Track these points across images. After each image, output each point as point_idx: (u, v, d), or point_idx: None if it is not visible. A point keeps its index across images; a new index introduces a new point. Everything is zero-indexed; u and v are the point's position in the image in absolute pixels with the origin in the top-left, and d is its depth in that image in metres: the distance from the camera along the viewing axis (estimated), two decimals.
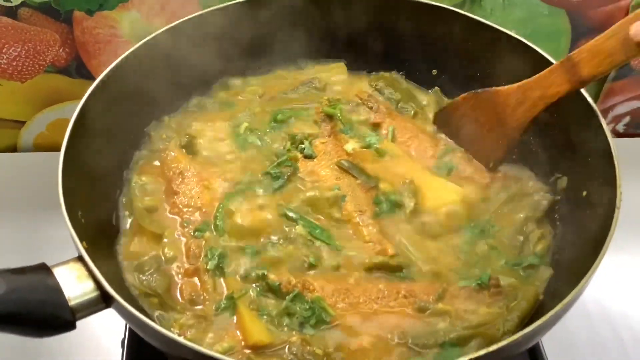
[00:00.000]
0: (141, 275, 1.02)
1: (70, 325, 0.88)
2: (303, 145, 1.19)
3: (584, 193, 1.07)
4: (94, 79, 1.10)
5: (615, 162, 1.00)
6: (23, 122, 1.61)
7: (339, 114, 1.23)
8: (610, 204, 0.96)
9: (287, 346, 0.95)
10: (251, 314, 0.98)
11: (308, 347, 0.94)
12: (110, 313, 0.91)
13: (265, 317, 0.98)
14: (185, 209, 1.11)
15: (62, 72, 1.52)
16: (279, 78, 1.35)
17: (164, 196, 1.14)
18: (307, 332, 0.96)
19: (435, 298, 1.00)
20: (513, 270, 1.05)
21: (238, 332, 0.97)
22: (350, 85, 1.33)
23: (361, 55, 1.35)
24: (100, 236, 1.04)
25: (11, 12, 1.40)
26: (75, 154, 1.01)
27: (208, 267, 1.03)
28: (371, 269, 1.04)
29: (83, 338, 1.24)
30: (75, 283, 0.88)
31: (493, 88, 1.14)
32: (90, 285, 0.88)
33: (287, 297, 0.98)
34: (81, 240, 0.91)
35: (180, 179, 1.14)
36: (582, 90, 1.09)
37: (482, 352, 0.83)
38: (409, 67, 1.35)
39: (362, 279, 1.03)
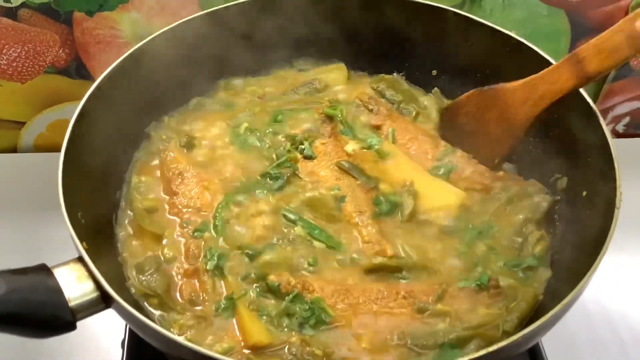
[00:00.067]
0: (141, 276, 1.02)
1: (70, 326, 0.88)
2: (303, 146, 1.19)
3: (584, 193, 1.07)
4: (93, 79, 1.11)
5: (615, 163, 1.00)
6: (23, 123, 1.61)
7: (339, 115, 1.23)
8: (610, 204, 0.96)
9: (287, 347, 0.95)
10: (251, 314, 0.98)
11: (307, 348, 0.94)
12: (110, 314, 0.91)
13: (264, 317, 0.98)
14: (184, 210, 1.11)
15: (62, 73, 1.52)
16: (279, 79, 1.35)
17: (163, 197, 1.14)
18: (307, 332, 0.96)
19: (434, 299, 1.00)
20: (512, 272, 1.05)
21: (238, 333, 0.97)
22: (350, 86, 1.33)
23: (361, 56, 1.35)
24: (100, 237, 1.04)
25: (11, 13, 1.40)
26: (76, 155, 1.02)
27: (207, 268, 1.03)
28: (371, 270, 1.04)
29: (83, 339, 1.24)
30: (75, 284, 0.88)
31: (498, 85, 1.14)
32: (90, 285, 0.89)
33: (286, 298, 0.99)
34: (81, 240, 0.91)
35: (180, 180, 1.14)
36: (582, 91, 1.09)
37: (481, 352, 0.83)
38: (408, 68, 1.35)
39: (362, 279, 1.03)
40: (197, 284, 1.02)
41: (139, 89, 1.18)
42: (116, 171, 1.17)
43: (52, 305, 0.86)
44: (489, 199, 1.14)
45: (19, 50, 1.46)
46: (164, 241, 1.08)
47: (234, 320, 0.99)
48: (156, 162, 1.19)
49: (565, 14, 1.48)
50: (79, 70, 1.51)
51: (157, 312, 1.00)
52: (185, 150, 1.20)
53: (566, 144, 1.13)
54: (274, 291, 1.00)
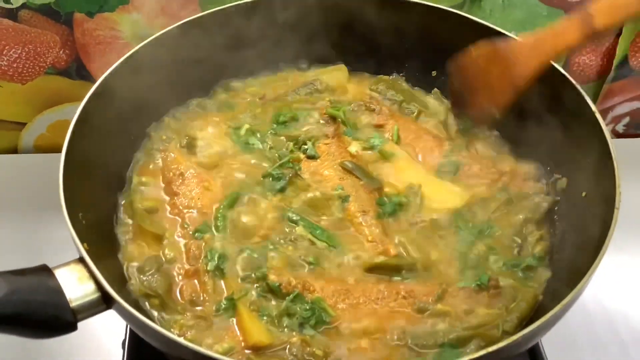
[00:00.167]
0: (141, 276, 1.02)
1: (71, 327, 0.89)
2: (306, 146, 1.20)
3: (584, 194, 1.08)
4: (94, 80, 1.11)
5: (615, 163, 1.00)
6: (24, 124, 1.61)
7: (342, 116, 1.24)
8: (609, 204, 0.96)
9: (287, 347, 0.95)
10: (251, 314, 0.98)
11: (308, 348, 0.94)
12: (111, 314, 0.91)
13: (265, 317, 0.98)
14: (185, 210, 1.11)
15: (62, 74, 1.52)
16: (279, 79, 1.35)
17: (164, 197, 1.15)
18: (307, 332, 0.96)
19: (434, 299, 1.00)
20: (512, 272, 1.05)
21: (238, 333, 0.97)
22: (351, 86, 1.34)
23: (361, 57, 1.35)
24: (100, 237, 1.04)
25: (11, 14, 1.40)
26: (76, 155, 1.02)
27: (208, 268, 1.03)
28: (371, 269, 1.04)
29: (84, 339, 1.24)
30: (76, 284, 0.88)
31: (509, 38, 1.12)
32: (91, 286, 0.89)
33: (287, 298, 0.99)
34: (82, 241, 0.91)
35: (181, 180, 1.14)
36: (582, 91, 1.09)
37: (481, 352, 0.83)
38: (408, 69, 1.35)
39: (362, 279, 1.03)
40: (198, 284, 1.02)
41: (139, 89, 1.17)
42: (117, 172, 1.17)
43: (53, 306, 0.87)
44: (489, 199, 1.14)
45: (19, 51, 1.46)
46: (165, 242, 1.08)
47: (235, 321, 0.99)
48: (157, 162, 1.19)
49: (565, 15, 1.48)
50: (79, 71, 1.51)
51: (157, 313, 1.00)
52: (185, 151, 1.20)
53: (566, 144, 1.13)
54: (275, 291, 1.00)
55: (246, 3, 1.26)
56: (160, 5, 1.41)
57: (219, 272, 1.03)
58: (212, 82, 1.32)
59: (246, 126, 1.24)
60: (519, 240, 1.09)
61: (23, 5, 1.39)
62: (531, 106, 1.20)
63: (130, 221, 1.12)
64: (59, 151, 1.00)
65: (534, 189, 1.16)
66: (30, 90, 1.53)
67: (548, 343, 1.16)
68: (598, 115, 1.06)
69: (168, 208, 1.13)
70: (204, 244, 1.06)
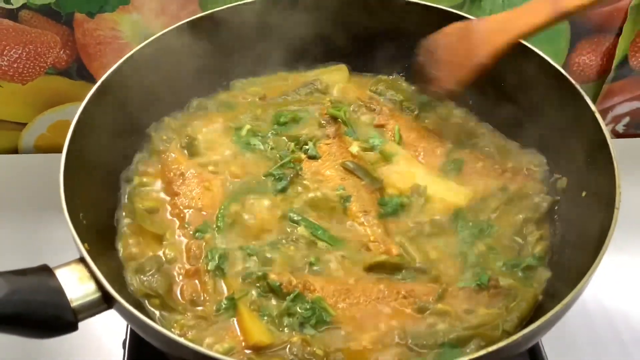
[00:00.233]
0: (142, 276, 1.02)
1: (72, 327, 0.89)
2: (307, 147, 1.20)
3: (584, 193, 1.08)
4: (94, 80, 1.11)
5: (615, 163, 1.00)
6: (24, 124, 1.61)
7: (343, 116, 1.24)
8: (609, 204, 0.96)
9: (288, 347, 0.95)
10: (252, 314, 0.98)
11: (309, 348, 0.94)
12: (111, 314, 0.92)
13: (265, 317, 0.98)
14: (185, 210, 1.11)
15: (63, 74, 1.52)
16: (279, 80, 1.35)
17: (164, 197, 1.15)
18: (308, 332, 0.97)
19: (435, 298, 1.00)
20: (512, 272, 1.05)
21: (239, 333, 0.97)
22: (351, 87, 1.34)
23: (361, 57, 1.35)
24: (101, 237, 1.04)
25: (12, 15, 1.40)
26: (77, 156, 1.02)
27: (209, 268, 1.03)
28: (372, 267, 1.04)
29: (84, 339, 1.25)
30: (77, 284, 0.88)
31: (482, 18, 1.14)
32: (91, 286, 0.89)
33: (287, 298, 0.99)
34: (83, 241, 0.91)
35: (181, 180, 1.14)
36: (582, 91, 1.09)
37: (481, 352, 0.83)
38: (408, 69, 1.35)
39: (363, 279, 1.03)
40: (198, 284, 1.03)
41: (139, 89, 1.18)
42: (117, 172, 1.17)
43: (53, 305, 0.87)
44: (490, 198, 1.14)
45: (19, 52, 1.46)
46: (165, 242, 1.08)
47: (235, 321, 0.99)
48: (157, 162, 1.19)
49: None
50: (79, 71, 1.51)
51: (158, 313, 1.00)
52: (186, 151, 1.20)
53: (566, 144, 1.14)
54: (275, 291, 1.00)
55: (246, 3, 1.26)
56: (160, 5, 1.41)
57: (220, 272, 1.03)
58: (213, 82, 1.32)
59: (247, 126, 1.24)
60: (519, 240, 1.09)
61: (23, 6, 1.39)
62: (531, 106, 1.21)
63: (130, 221, 1.12)
64: (60, 151, 1.00)
65: (534, 188, 1.16)
66: (30, 90, 1.53)
67: (548, 343, 1.16)
68: (598, 115, 1.06)
69: (168, 208, 1.13)
70: (204, 243, 1.06)
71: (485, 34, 1.10)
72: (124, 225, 1.11)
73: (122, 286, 1.00)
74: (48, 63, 1.49)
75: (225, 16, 1.25)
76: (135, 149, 1.22)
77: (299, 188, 1.14)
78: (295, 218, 1.09)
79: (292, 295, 0.99)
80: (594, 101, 1.57)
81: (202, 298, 1.01)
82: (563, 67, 1.15)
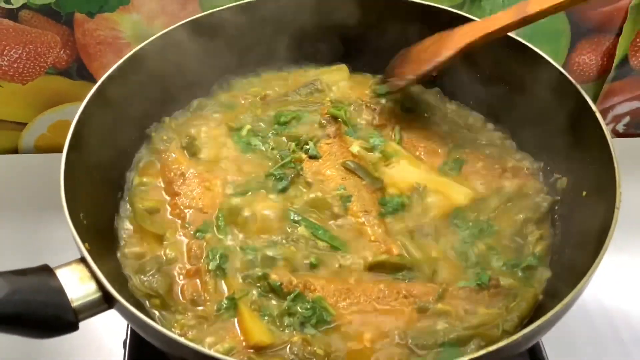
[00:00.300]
0: (143, 276, 1.03)
1: (72, 327, 0.89)
2: (308, 146, 1.20)
3: (584, 193, 1.08)
4: (94, 80, 1.11)
5: (615, 163, 1.00)
6: (24, 124, 1.61)
7: (343, 116, 1.24)
8: (609, 204, 0.96)
9: (289, 346, 0.95)
10: (252, 314, 0.98)
11: (309, 347, 0.94)
12: (112, 314, 0.92)
13: (266, 317, 0.98)
14: (186, 210, 1.11)
15: (63, 74, 1.52)
16: (280, 79, 1.35)
17: (165, 197, 1.15)
18: (308, 332, 0.97)
19: (435, 298, 1.00)
20: (512, 271, 1.05)
21: (239, 333, 0.98)
22: (352, 87, 1.34)
23: (362, 57, 1.35)
24: (101, 237, 1.04)
25: (12, 15, 1.40)
26: (77, 155, 1.02)
27: (209, 268, 1.03)
28: (372, 268, 1.04)
29: (85, 339, 1.25)
30: (77, 284, 0.89)
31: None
32: (92, 286, 0.89)
33: (288, 297, 0.99)
34: (83, 241, 0.91)
35: (181, 180, 1.15)
36: (582, 90, 1.10)
37: (482, 352, 0.83)
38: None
39: (363, 279, 1.03)
40: (199, 284, 1.03)
41: (140, 90, 1.18)
42: (117, 172, 1.17)
43: (54, 305, 0.87)
44: (490, 197, 1.14)
45: (20, 52, 1.46)
46: (166, 242, 1.08)
47: (236, 320, 0.99)
48: (157, 162, 1.19)
49: (564, 14, 1.48)
50: (80, 71, 1.51)
51: (158, 312, 1.00)
52: (186, 151, 1.20)
53: (566, 144, 1.14)
54: (276, 291, 1.00)
55: (246, 3, 1.26)
56: (160, 5, 1.41)
57: (220, 271, 1.03)
58: (213, 82, 1.33)
59: (247, 127, 1.24)
60: (520, 240, 1.09)
61: (24, 6, 1.39)
62: (531, 106, 1.21)
63: (131, 221, 1.12)
64: (60, 151, 1.00)
65: (534, 188, 1.16)
66: (30, 90, 1.53)
67: (548, 343, 1.16)
68: (598, 115, 1.06)
69: (169, 208, 1.13)
70: (205, 243, 1.06)
71: (454, 37, 1.15)
72: (125, 225, 1.11)
73: (122, 286, 1.00)
74: (48, 63, 1.49)
75: (225, 16, 1.25)
76: (135, 149, 1.22)
77: (300, 188, 1.14)
78: (296, 218, 1.09)
79: (292, 295, 0.99)
80: (594, 101, 1.57)
81: (202, 298, 1.01)
82: (563, 67, 1.15)
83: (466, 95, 1.31)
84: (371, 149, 1.19)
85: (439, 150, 1.22)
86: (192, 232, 1.09)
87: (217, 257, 1.04)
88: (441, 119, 1.29)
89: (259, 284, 1.02)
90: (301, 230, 1.08)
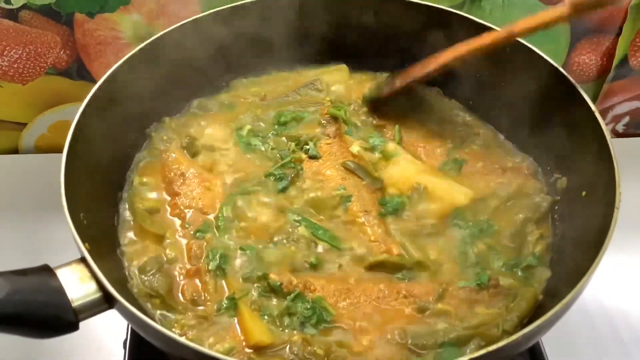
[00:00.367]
0: (143, 276, 1.03)
1: (73, 327, 0.89)
2: (308, 146, 1.20)
3: (584, 193, 1.08)
4: (95, 81, 1.11)
5: (615, 162, 1.00)
6: (24, 124, 1.61)
7: (343, 115, 1.24)
8: (609, 204, 0.96)
9: (289, 346, 0.95)
10: (252, 314, 0.99)
11: (309, 347, 0.94)
12: (112, 314, 0.92)
13: (266, 317, 0.98)
14: (186, 210, 1.11)
15: (63, 74, 1.52)
16: (280, 80, 1.35)
17: (165, 197, 1.15)
18: (308, 331, 0.97)
19: (435, 298, 1.00)
20: (512, 271, 1.05)
21: (239, 333, 0.98)
22: (351, 87, 1.34)
23: (361, 56, 1.35)
24: (102, 237, 1.04)
25: (12, 15, 1.40)
26: (77, 156, 1.02)
27: (209, 268, 1.03)
28: (372, 267, 1.04)
29: (85, 339, 1.25)
30: (77, 284, 0.89)
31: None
32: (92, 286, 0.89)
33: (288, 297, 0.99)
34: (83, 241, 0.91)
35: (182, 180, 1.15)
36: (581, 90, 1.10)
37: (482, 352, 0.83)
38: (408, 69, 1.35)
39: (363, 278, 1.03)
40: (199, 284, 1.03)
41: (140, 89, 1.18)
42: (118, 172, 1.17)
43: (54, 305, 0.87)
44: (490, 197, 1.14)
45: (20, 52, 1.47)
46: (166, 242, 1.08)
47: (236, 320, 0.99)
48: (157, 162, 1.19)
49: None
50: (80, 71, 1.51)
51: (158, 312, 1.00)
52: (186, 151, 1.20)
53: (566, 144, 1.14)
54: (276, 291, 1.00)
55: (246, 3, 1.26)
56: (160, 5, 1.41)
57: (220, 271, 1.03)
58: (213, 83, 1.33)
59: (247, 127, 1.24)
60: (520, 240, 1.09)
61: (24, 6, 1.39)
62: (531, 106, 1.21)
63: (131, 221, 1.12)
64: (60, 151, 1.00)
65: (534, 188, 1.16)
66: (31, 90, 1.53)
67: (548, 342, 1.16)
68: (598, 115, 1.06)
69: (169, 208, 1.13)
70: (205, 243, 1.06)
71: (442, 54, 1.18)
72: (125, 225, 1.11)
73: (122, 286, 1.00)
74: (48, 63, 1.50)
75: (225, 16, 1.25)
76: (135, 149, 1.22)
77: (300, 188, 1.14)
78: (296, 218, 1.09)
79: (292, 295, 0.99)
80: (594, 101, 1.57)
81: (202, 298, 1.01)
82: (563, 67, 1.15)
83: (466, 95, 1.31)
84: (371, 149, 1.19)
85: (439, 150, 1.22)
86: (192, 232, 1.09)
87: (217, 257, 1.04)
88: (441, 119, 1.29)
89: (259, 284, 1.02)
90: (301, 230, 1.08)
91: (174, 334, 0.86)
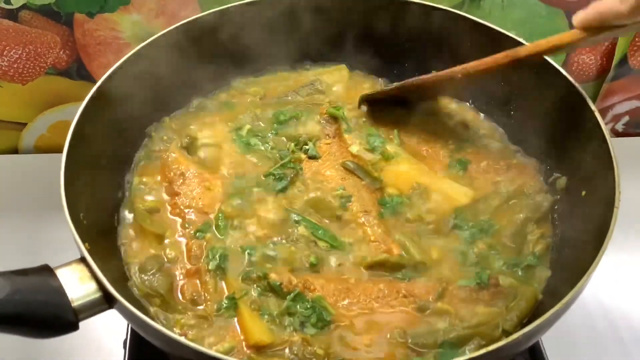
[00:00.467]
0: (143, 276, 1.03)
1: (73, 326, 0.89)
2: (307, 147, 1.20)
3: (583, 193, 1.08)
4: (94, 81, 1.11)
5: (614, 162, 1.00)
6: (24, 124, 1.61)
7: (342, 115, 1.24)
8: (609, 203, 0.96)
9: (288, 346, 0.95)
10: (252, 314, 0.99)
11: (309, 347, 0.94)
12: (112, 314, 0.92)
13: (266, 317, 0.98)
14: (186, 210, 1.11)
15: (63, 74, 1.52)
16: (280, 79, 1.35)
17: (165, 197, 1.15)
18: (308, 331, 0.97)
19: (435, 297, 1.00)
20: (512, 271, 1.05)
21: (239, 332, 0.98)
22: (351, 87, 1.34)
23: (361, 57, 1.35)
24: (102, 237, 1.04)
25: (12, 15, 1.40)
26: (77, 156, 1.02)
27: (209, 268, 1.03)
28: (372, 267, 1.04)
29: (85, 339, 1.24)
30: (77, 284, 0.89)
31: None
32: (92, 286, 0.89)
33: (288, 297, 0.99)
34: (83, 241, 0.91)
35: (181, 180, 1.15)
36: (581, 90, 1.10)
37: (482, 351, 0.83)
38: (408, 69, 1.35)
39: (363, 278, 1.03)
40: (199, 283, 1.03)
41: (139, 90, 1.18)
42: (117, 172, 1.17)
43: (54, 305, 0.87)
44: (491, 196, 1.14)
45: (19, 52, 1.47)
46: (166, 241, 1.08)
47: (236, 320, 0.99)
48: (157, 162, 1.19)
49: (564, 14, 1.48)
50: (79, 71, 1.51)
51: (158, 312, 1.00)
52: (186, 151, 1.20)
53: (565, 143, 1.14)
54: (276, 290, 1.00)
55: (246, 3, 1.26)
56: (160, 5, 1.41)
57: (220, 271, 1.03)
58: (213, 82, 1.32)
59: (247, 126, 1.24)
60: (520, 240, 1.09)
61: (23, 6, 1.39)
62: (531, 105, 1.21)
63: (131, 221, 1.12)
64: (60, 151, 1.00)
65: (535, 187, 1.16)
66: (30, 90, 1.53)
67: (548, 342, 1.16)
68: (597, 114, 1.06)
69: (169, 208, 1.13)
70: (205, 243, 1.06)
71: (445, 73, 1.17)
72: (125, 225, 1.11)
73: (122, 286, 1.00)
74: (48, 63, 1.49)
75: (225, 16, 1.25)
76: (135, 148, 1.22)
77: (300, 188, 1.14)
78: (296, 218, 1.09)
79: (292, 295, 0.99)
80: (594, 100, 1.57)
81: (202, 297, 1.01)
82: (563, 67, 1.15)
83: (466, 95, 1.31)
84: (371, 150, 1.19)
85: (442, 152, 1.22)
86: (192, 232, 1.09)
87: (217, 256, 1.04)
88: (440, 120, 1.29)
89: (258, 284, 1.02)
90: (301, 230, 1.08)
91: (173, 334, 0.86)
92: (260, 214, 1.10)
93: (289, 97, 1.31)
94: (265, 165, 1.18)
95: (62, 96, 1.56)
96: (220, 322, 0.99)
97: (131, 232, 1.10)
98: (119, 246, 1.08)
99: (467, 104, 1.31)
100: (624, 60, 1.57)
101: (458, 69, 1.14)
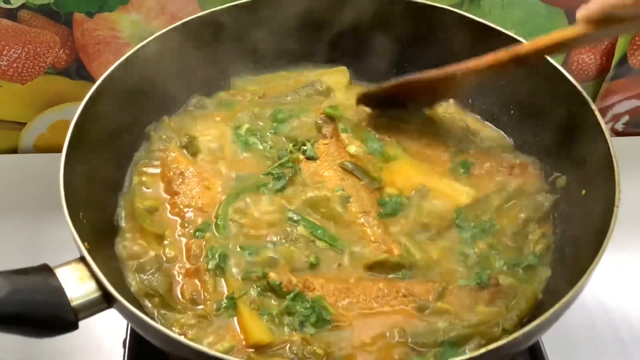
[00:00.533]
0: (142, 275, 1.03)
1: (72, 326, 0.89)
2: (305, 147, 1.20)
3: (583, 192, 1.08)
4: (94, 80, 1.11)
5: (614, 161, 1.00)
6: (24, 124, 1.61)
7: (340, 116, 1.24)
8: (609, 202, 0.96)
9: (288, 345, 0.95)
10: (252, 313, 0.98)
11: (309, 347, 0.94)
12: (111, 313, 0.92)
13: (266, 316, 0.98)
14: (185, 209, 1.11)
15: (62, 74, 1.52)
16: (280, 79, 1.35)
17: (164, 196, 1.15)
18: (308, 331, 0.97)
19: (435, 297, 1.00)
20: (512, 271, 1.05)
21: (239, 332, 0.98)
22: (352, 88, 1.33)
23: (361, 57, 1.35)
24: (101, 237, 1.04)
25: (11, 14, 1.40)
26: (77, 155, 1.02)
27: (209, 267, 1.03)
28: (372, 267, 1.04)
29: (85, 338, 1.24)
30: (77, 284, 0.89)
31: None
32: (92, 285, 0.89)
33: (287, 297, 0.99)
34: (83, 241, 0.91)
35: (181, 180, 1.15)
36: (581, 89, 1.10)
37: (482, 350, 0.84)
38: (407, 69, 1.35)
39: (363, 278, 1.03)
40: (199, 283, 1.03)
41: (139, 89, 1.18)
42: (117, 171, 1.17)
43: (54, 305, 0.87)
44: (492, 196, 1.14)
45: (19, 51, 1.46)
46: (165, 241, 1.08)
47: (235, 320, 0.99)
48: (157, 162, 1.19)
49: (563, 14, 1.48)
50: (79, 71, 1.51)
51: (158, 312, 1.00)
52: (185, 150, 1.20)
53: (565, 142, 1.14)
54: (275, 290, 1.00)
55: (246, 3, 1.26)
56: (159, 5, 1.41)
57: (220, 271, 1.03)
58: (212, 82, 1.32)
59: (246, 125, 1.24)
60: (521, 239, 1.09)
61: (23, 6, 1.39)
62: (531, 105, 1.21)
63: (130, 220, 1.12)
64: (59, 151, 1.00)
65: (536, 187, 1.16)
66: (30, 90, 1.53)
67: (548, 341, 1.16)
68: (597, 114, 1.06)
69: (168, 207, 1.13)
70: (204, 242, 1.06)
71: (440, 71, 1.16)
72: (124, 225, 1.11)
73: (122, 285, 1.00)
74: (47, 63, 1.49)
75: (224, 16, 1.25)
76: (134, 148, 1.22)
77: (298, 187, 1.14)
78: (295, 218, 1.09)
79: (292, 294, 0.99)
80: (594, 100, 1.57)
81: (202, 297, 1.01)
82: (562, 66, 1.15)
83: (465, 97, 1.31)
84: (370, 152, 1.19)
85: (444, 155, 1.21)
86: (191, 232, 1.09)
87: (217, 256, 1.04)
88: (441, 123, 1.28)
89: (258, 283, 1.02)
90: (300, 229, 1.08)
91: (173, 333, 0.86)
92: (260, 213, 1.10)
93: (289, 97, 1.31)
94: (264, 165, 1.18)
95: (61, 96, 1.56)
96: (219, 322, 0.99)
97: (130, 231, 1.10)
98: (119, 245, 1.08)
99: (467, 106, 1.31)
100: (623, 59, 1.57)
101: (458, 66, 1.13)
